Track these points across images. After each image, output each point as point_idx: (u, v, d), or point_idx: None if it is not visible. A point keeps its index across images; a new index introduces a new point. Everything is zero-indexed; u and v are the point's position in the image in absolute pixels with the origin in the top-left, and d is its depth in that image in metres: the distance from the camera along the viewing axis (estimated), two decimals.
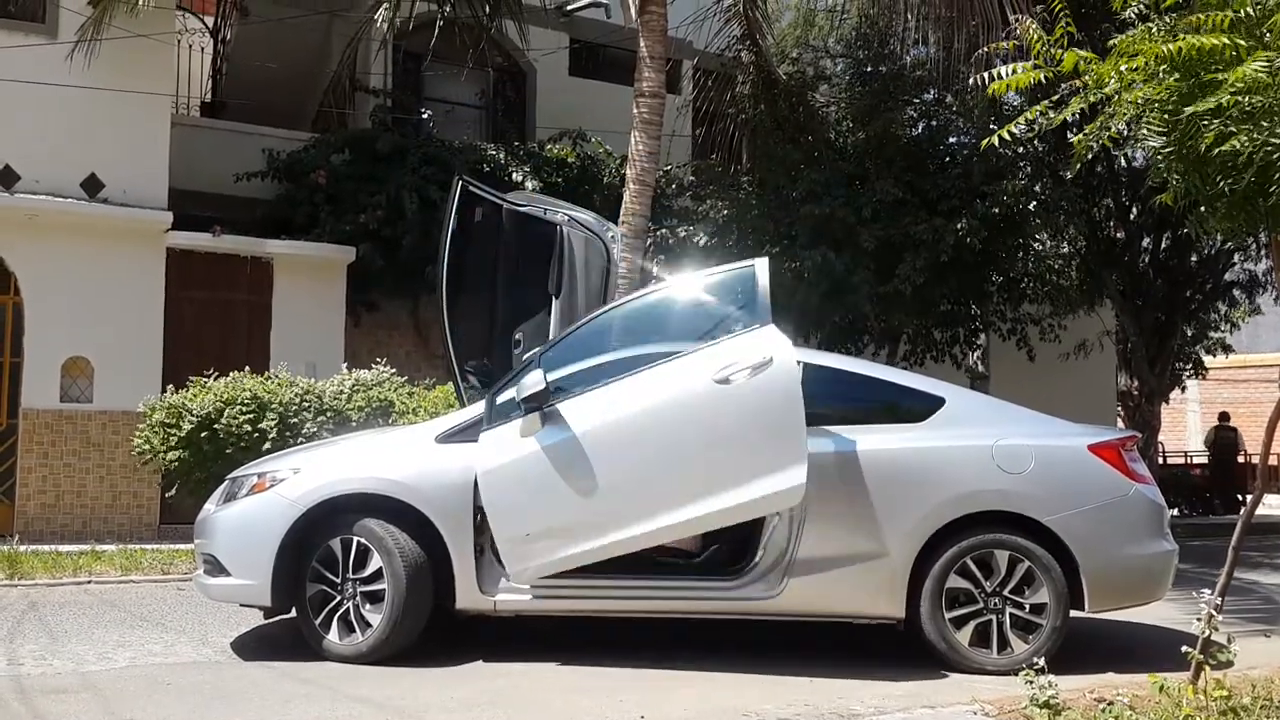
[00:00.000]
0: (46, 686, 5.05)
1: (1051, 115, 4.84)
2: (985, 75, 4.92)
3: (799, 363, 5.65)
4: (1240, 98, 4.06)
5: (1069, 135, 13.24)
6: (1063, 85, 4.92)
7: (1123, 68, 4.39)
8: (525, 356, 7.51)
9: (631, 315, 6.17)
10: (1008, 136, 5.09)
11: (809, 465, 5.37)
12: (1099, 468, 5.78)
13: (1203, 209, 4.67)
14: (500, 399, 5.73)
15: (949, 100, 13.69)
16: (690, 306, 6.14)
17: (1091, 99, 4.59)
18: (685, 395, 5.47)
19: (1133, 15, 4.62)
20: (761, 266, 5.68)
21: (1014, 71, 4.72)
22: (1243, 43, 4.10)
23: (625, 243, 8.94)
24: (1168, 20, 4.42)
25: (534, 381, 5.49)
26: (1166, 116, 4.37)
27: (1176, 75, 4.29)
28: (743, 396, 5.39)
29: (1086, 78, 4.58)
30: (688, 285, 6.39)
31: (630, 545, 5.49)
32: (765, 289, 5.58)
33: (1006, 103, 13.05)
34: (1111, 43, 4.50)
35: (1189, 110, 4.16)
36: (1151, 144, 4.47)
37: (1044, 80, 4.72)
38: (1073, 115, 4.78)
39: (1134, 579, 5.79)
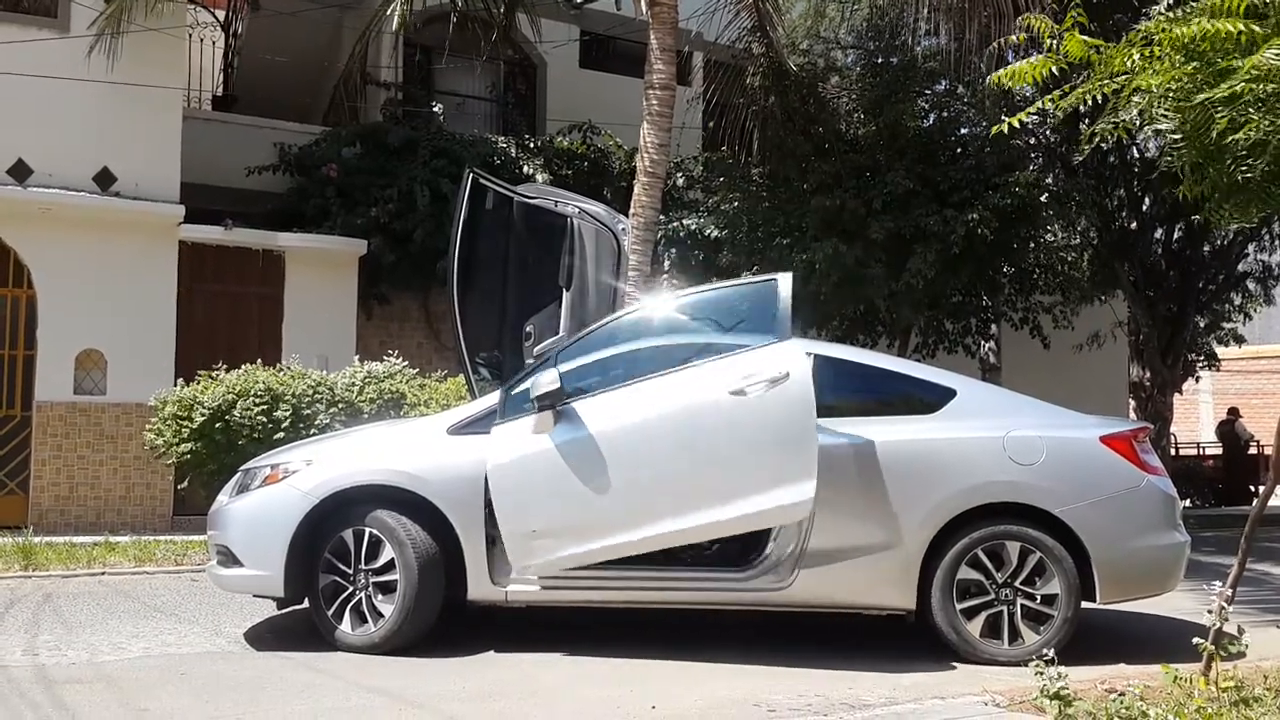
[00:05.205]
0: (62, 676, 5.08)
1: (1060, 102, 4.80)
2: (999, 73, 4.90)
3: (810, 355, 5.68)
4: (1254, 85, 4.04)
5: (1081, 126, 13.22)
6: (1076, 77, 4.90)
7: (1136, 55, 4.37)
8: (538, 350, 7.56)
9: (651, 320, 6.18)
10: (1016, 125, 5.08)
11: (820, 457, 5.38)
12: (1111, 459, 5.77)
13: (1217, 197, 4.66)
14: (514, 393, 5.76)
15: (960, 91, 13.65)
16: (711, 315, 6.16)
17: (1105, 89, 4.57)
18: (700, 404, 5.51)
19: (1160, 10, 4.58)
20: (784, 281, 5.71)
21: (1029, 63, 4.70)
22: (1259, 29, 4.08)
23: (635, 235, 8.94)
24: (1188, 8, 4.40)
25: (549, 380, 5.53)
26: (1180, 104, 4.35)
27: (1194, 64, 4.27)
28: (757, 409, 5.43)
29: (1098, 67, 4.56)
30: (710, 294, 6.41)
31: (634, 549, 5.54)
32: (787, 304, 5.61)
33: (1019, 93, 13.00)
34: (1139, 28, 4.47)
35: (1201, 97, 4.14)
36: (1160, 128, 4.45)
37: (1055, 72, 4.70)
38: (1085, 105, 4.75)
39: (1146, 570, 5.77)
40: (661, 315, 6.19)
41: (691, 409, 5.50)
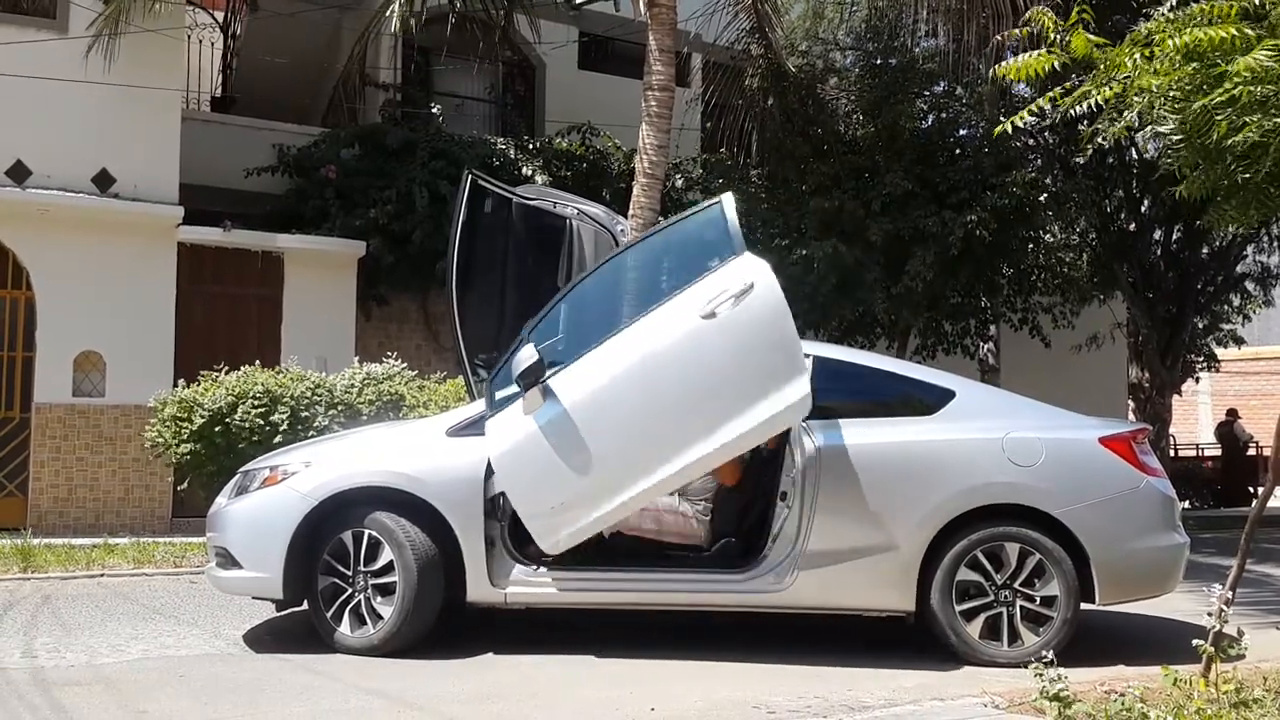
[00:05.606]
0: (61, 679, 5.08)
1: (1064, 100, 4.80)
2: (1002, 66, 4.91)
3: (810, 356, 5.65)
4: (1250, 87, 4.05)
5: (1080, 127, 13.24)
6: (1075, 77, 4.90)
7: (1138, 55, 4.37)
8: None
9: (610, 275, 6.12)
10: (1019, 123, 5.07)
11: (818, 458, 5.36)
12: (1110, 461, 5.77)
13: (1218, 199, 4.66)
14: (497, 387, 5.71)
15: (959, 92, 13.66)
16: (665, 254, 6.12)
17: (1105, 93, 4.56)
18: (676, 338, 5.45)
19: (1163, 12, 4.58)
20: (728, 201, 5.70)
21: (1033, 56, 4.70)
22: (1251, 32, 4.08)
23: (634, 236, 8.93)
24: (1182, 13, 4.40)
25: (527, 356, 5.43)
26: (1180, 105, 4.35)
27: (1194, 65, 4.27)
28: (730, 325, 5.39)
29: (1101, 67, 4.55)
30: (658, 235, 6.35)
31: (655, 492, 5.52)
32: (734, 221, 5.59)
33: (1017, 94, 13.02)
34: (1142, 28, 4.46)
35: (1199, 103, 4.14)
36: (1161, 130, 4.45)
37: (1057, 69, 4.69)
38: (1085, 107, 4.74)
39: (1145, 572, 5.77)
40: (617, 268, 6.14)
41: (671, 345, 5.45)
